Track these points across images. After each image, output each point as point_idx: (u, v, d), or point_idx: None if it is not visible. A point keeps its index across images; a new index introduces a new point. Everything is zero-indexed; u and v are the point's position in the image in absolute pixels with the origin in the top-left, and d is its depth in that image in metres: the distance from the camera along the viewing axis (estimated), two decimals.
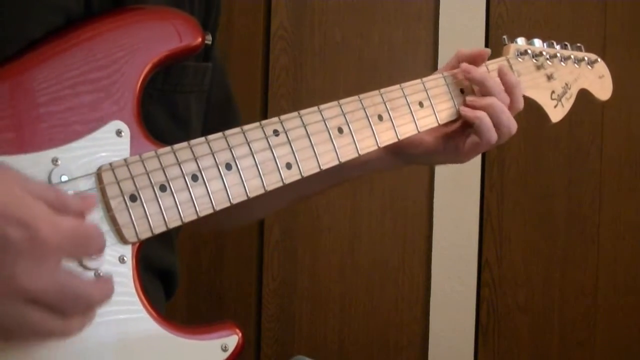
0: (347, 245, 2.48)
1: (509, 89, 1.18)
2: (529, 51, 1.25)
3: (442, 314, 2.45)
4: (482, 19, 2.43)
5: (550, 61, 1.27)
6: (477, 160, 2.43)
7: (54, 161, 0.85)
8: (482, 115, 1.13)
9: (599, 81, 1.35)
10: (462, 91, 1.18)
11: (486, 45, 2.42)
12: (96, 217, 0.87)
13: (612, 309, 2.46)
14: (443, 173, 2.43)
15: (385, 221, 2.47)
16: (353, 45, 2.47)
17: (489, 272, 2.46)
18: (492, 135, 1.14)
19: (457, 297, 2.45)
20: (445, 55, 2.41)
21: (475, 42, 2.40)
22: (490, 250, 2.46)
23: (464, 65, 1.18)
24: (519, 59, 1.24)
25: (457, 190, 2.44)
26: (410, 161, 1.23)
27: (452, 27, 2.42)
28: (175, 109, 1.05)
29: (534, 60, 1.25)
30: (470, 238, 2.45)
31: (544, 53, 1.26)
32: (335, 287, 2.48)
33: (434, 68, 2.40)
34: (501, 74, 1.19)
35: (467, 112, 1.15)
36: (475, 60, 1.20)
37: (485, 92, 1.16)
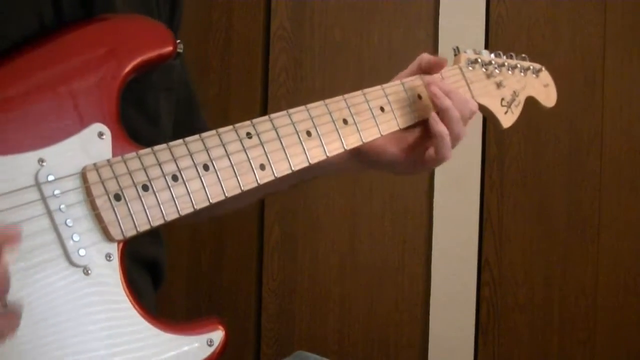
0: (347, 245, 2.48)
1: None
2: (479, 60, 1.30)
3: (442, 314, 2.45)
4: (482, 19, 2.44)
5: (498, 69, 1.32)
6: (477, 160, 2.43)
7: (40, 161, 0.87)
8: (446, 134, 1.17)
9: (544, 89, 1.40)
10: (419, 97, 1.22)
11: (486, 45, 2.42)
12: (81, 215, 0.89)
13: (612, 309, 2.46)
14: (443, 173, 2.43)
15: (385, 221, 2.47)
16: (353, 45, 2.47)
17: (489, 272, 2.46)
18: (448, 154, 1.18)
19: (457, 297, 2.45)
20: (445, 55, 2.40)
21: (475, 42, 2.40)
22: (490, 250, 2.46)
23: (428, 81, 1.23)
24: (470, 68, 1.29)
25: (457, 190, 2.44)
26: (372, 166, 1.27)
27: (452, 27, 2.43)
28: (145, 105, 1.08)
29: (484, 69, 1.30)
30: (470, 238, 2.45)
31: (493, 62, 1.31)
32: (335, 287, 2.48)
33: None
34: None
35: (434, 125, 1.18)
36: (433, 68, 1.24)
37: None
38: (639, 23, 2.44)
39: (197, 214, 0.98)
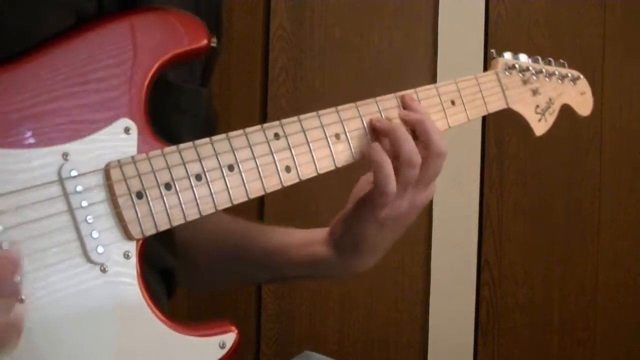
0: None
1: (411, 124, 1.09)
2: (517, 66, 1.28)
3: (442, 314, 2.45)
4: (482, 19, 2.44)
5: (535, 76, 1.30)
6: (476, 159, 2.43)
7: (64, 156, 0.87)
8: (383, 161, 1.05)
9: (580, 97, 1.39)
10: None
11: (485, 45, 2.42)
12: (102, 212, 0.88)
13: (612, 309, 2.46)
14: (443, 173, 2.41)
15: None
16: (353, 45, 2.47)
17: (488, 271, 2.46)
18: (388, 186, 1.05)
19: (457, 297, 2.45)
20: (444, 54, 2.41)
21: (475, 41, 2.40)
22: (490, 250, 2.47)
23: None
24: (507, 73, 1.27)
25: (457, 190, 2.44)
26: (354, 243, 1.17)
27: (452, 27, 2.43)
28: (168, 128, 1.05)
29: (521, 75, 1.28)
30: (470, 238, 2.45)
31: (531, 68, 1.29)
32: (335, 287, 2.48)
33: (433, 68, 2.41)
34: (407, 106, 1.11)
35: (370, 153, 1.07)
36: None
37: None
38: (639, 23, 2.45)
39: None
